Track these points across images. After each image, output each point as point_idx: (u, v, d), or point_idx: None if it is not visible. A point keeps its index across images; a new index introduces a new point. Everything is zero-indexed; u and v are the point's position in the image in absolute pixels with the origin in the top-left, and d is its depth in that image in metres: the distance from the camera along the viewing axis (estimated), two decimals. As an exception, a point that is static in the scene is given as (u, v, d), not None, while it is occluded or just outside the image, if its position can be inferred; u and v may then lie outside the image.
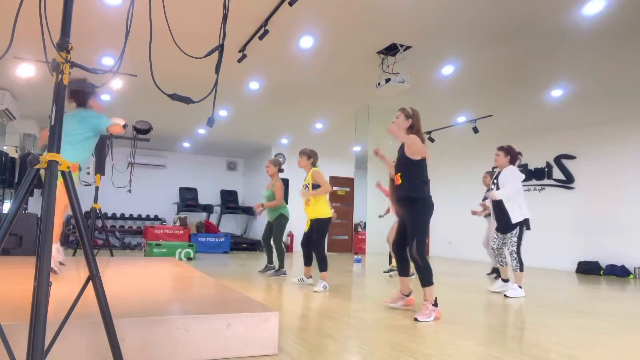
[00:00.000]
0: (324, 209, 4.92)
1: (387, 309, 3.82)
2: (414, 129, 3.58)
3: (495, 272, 6.79)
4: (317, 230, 4.90)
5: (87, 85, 3.91)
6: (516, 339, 2.91)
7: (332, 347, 2.54)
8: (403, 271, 3.81)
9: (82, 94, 3.97)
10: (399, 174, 3.56)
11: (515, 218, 4.90)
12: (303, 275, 5.19)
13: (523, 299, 4.67)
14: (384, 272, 6.61)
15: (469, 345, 2.67)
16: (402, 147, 3.62)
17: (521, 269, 4.88)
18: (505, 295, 4.84)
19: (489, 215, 6.60)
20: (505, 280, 5.10)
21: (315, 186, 4.92)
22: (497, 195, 4.95)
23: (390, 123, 3.62)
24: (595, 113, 7.92)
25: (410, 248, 3.47)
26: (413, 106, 3.75)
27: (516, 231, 4.91)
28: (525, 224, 4.95)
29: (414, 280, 5.28)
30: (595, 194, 8.57)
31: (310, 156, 5.11)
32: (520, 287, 4.87)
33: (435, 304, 3.42)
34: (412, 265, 6.31)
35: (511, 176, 4.95)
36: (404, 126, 3.58)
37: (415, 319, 3.33)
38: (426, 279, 3.45)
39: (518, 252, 4.89)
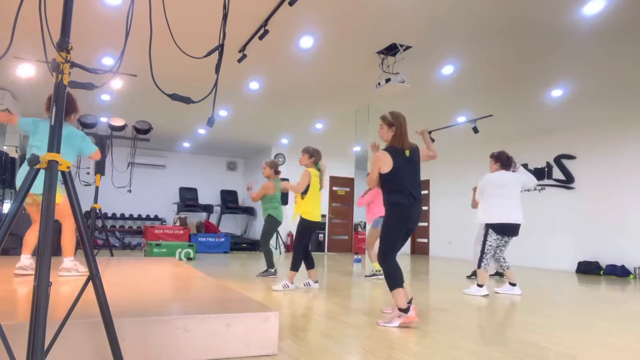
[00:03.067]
0: (308, 211, 4.80)
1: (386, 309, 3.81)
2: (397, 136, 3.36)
3: (498, 274, 6.75)
4: (297, 228, 4.87)
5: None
6: (516, 338, 2.91)
7: (332, 347, 2.54)
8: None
9: (72, 104, 3.67)
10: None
11: (478, 218, 5.07)
12: (309, 279, 5.00)
13: (519, 297, 4.68)
14: (365, 275, 6.37)
15: (469, 345, 2.67)
16: (416, 155, 3.38)
17: (477, 266, 4.97)
18: (464, 292, 4.97)
19: None
20: (512, 284, 5.05)
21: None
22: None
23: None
24: (595, 113, 7.91)
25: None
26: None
27: (484, 231, 5.02)
28: (493, 227, 4.92)
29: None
30: (595, 194, 8.57)
31: (312, 155, 4.93)
32: (480, 285, 4.86)
33: (406, 310, 3.11)
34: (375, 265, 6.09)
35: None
36: (388, 135, 3.38)
37: (377, 324, 3.18)
38: (389, 284, 3.22)
39: (482, 250, 4.99)
